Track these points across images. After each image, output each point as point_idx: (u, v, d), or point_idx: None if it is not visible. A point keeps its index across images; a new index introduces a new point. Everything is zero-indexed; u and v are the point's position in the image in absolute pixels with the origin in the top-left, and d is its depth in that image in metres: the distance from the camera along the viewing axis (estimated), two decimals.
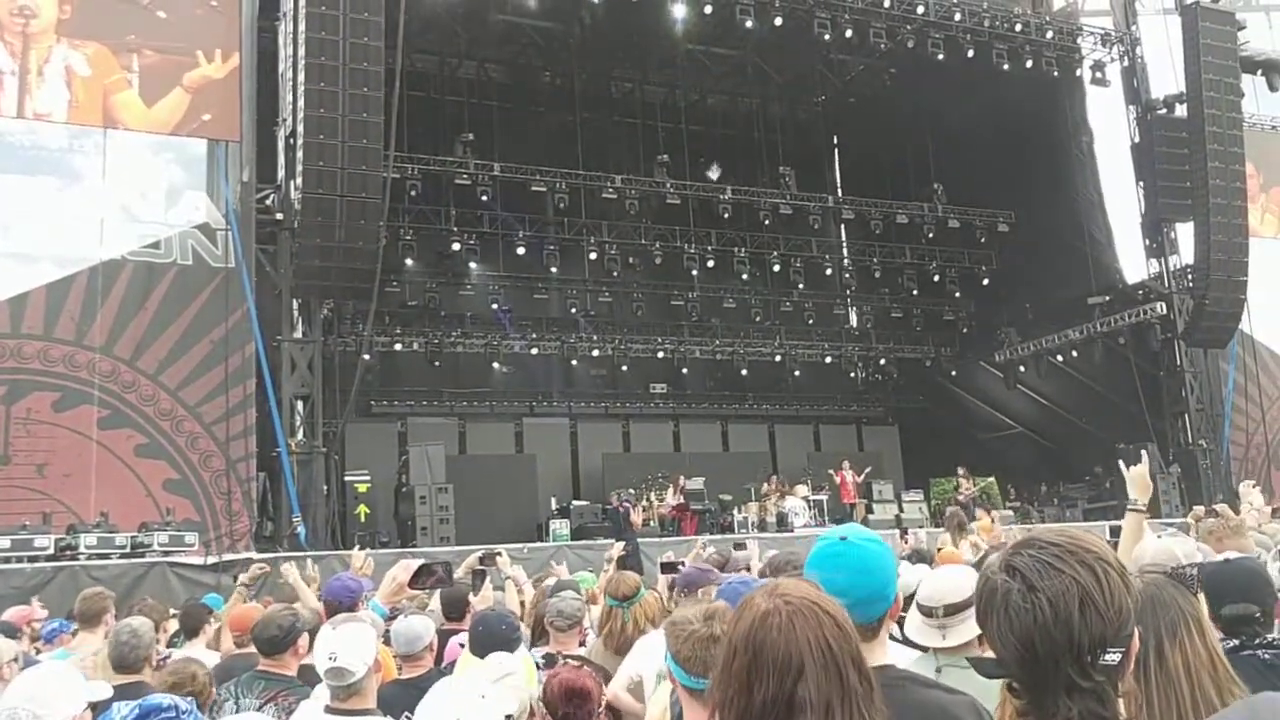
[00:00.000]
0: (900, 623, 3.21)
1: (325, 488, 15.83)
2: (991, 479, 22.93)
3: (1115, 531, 5.28)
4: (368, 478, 17.33)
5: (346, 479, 17.19)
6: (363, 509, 16.83)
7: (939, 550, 8.63)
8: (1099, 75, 22.30)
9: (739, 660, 1.80)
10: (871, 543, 2.42)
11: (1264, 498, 6.89)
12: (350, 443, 19.11)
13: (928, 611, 3.29)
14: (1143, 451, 5.31)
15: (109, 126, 15.49)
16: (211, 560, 13.10)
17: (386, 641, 4.45)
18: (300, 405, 15.74)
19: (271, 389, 15.42)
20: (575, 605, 4.91)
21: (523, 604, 6.55)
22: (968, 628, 3.19)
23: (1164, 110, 22.25)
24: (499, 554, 6.91)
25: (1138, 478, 4.62)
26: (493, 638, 4.20)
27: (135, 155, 15.92)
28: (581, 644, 5.08)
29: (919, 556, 7.11)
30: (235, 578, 11.60)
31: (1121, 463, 4.87)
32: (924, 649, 3.28)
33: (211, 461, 14.93)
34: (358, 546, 10.66)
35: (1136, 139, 22.60)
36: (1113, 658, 1.68)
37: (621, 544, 8.58)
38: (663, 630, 2.76)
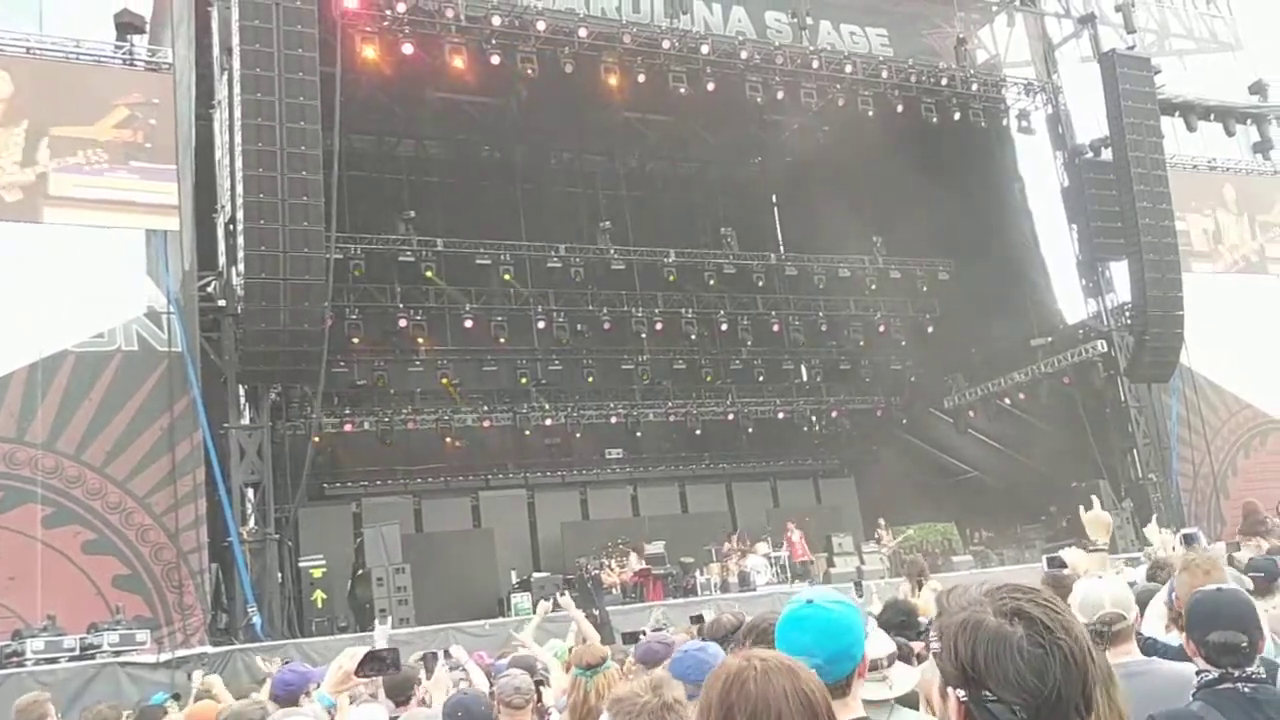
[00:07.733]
0: None
1: (280, 575, 15.51)
2: (951, 524, 23.06)
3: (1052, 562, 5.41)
4: (323, 562, 16.97)
5: (301, 565, 16.82)
6: (319, 595, 16.46)
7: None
8: (1025, 124, 22.93)
9: (714, 715, 1.77)
10: (838, 605, 2.49)
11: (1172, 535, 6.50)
12: (304, 527, 18.77)
13: (873, 665, 3.28)
14: (1093, 496, 5.39)
15: (48, 204, 15.21)
16: (165, 657, 12.73)
17: None
18: (251, 492, 15.48)
19: (221, 477, 15.13)
20: (528, 682, 4.83)
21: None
22: (906, 674, 3.30)
23: (1090, 154, 22.91)
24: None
25: (1092, 521, 4.70)
26: None
27: (72, 245, 15.66)
28: None
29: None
30: (189, 675, 11.29)
31: (1082, 509, 4.99)
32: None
33: (163, 554, 14.55)
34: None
35: (1066, 183, 23.21)
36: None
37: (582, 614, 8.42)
38: (606, 712, 2.69)
